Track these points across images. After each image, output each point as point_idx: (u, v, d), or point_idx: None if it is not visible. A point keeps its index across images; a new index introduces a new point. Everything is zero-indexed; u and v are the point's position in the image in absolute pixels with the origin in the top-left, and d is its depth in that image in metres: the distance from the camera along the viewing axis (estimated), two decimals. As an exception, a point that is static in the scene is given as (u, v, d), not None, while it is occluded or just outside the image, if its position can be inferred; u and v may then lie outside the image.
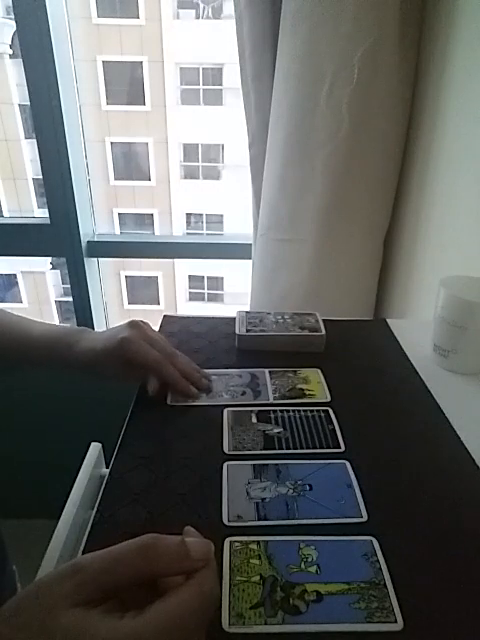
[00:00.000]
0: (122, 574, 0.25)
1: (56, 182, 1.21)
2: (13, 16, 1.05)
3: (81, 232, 1.27)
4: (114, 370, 0.54)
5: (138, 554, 0.26)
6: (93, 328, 1.43)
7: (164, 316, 0.71)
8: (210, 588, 0.27)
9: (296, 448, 0.47)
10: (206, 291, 4.57)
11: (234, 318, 0.67)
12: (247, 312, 0.69)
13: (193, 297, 4.51)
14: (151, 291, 4.31)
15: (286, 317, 0.68)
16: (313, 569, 0.35)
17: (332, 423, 0.50)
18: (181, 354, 0.57)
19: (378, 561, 0.35)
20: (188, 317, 0.72)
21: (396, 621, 0.31)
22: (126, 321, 0.55)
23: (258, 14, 0.92)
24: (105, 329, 0.58)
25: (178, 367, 0.54)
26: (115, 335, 0.53)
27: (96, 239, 1.34)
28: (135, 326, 0.54)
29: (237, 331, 0.64)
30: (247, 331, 0.64)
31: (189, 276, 4.44)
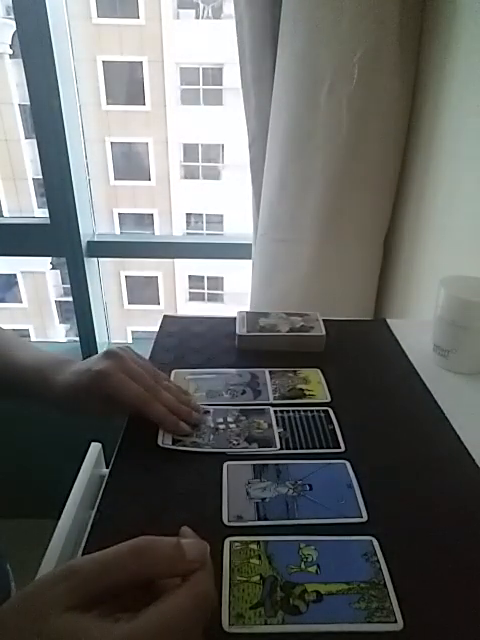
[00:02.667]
0: (116, 577, 0.25)
1: (56, 182, 1.21)
2: (13, 16, 1.05)
3: (81, 232, 1.27)
4: (93, 407, 0.48)
5: (132, 557, 0.25)
6: (93, 329, 1.43)
7: (164, 316, 0.71)
8: (205, 590, 0.26)
9: (296, 448, 0.47)
10: (206, 291, 4.58)
11: (234, 318, 0.67)
12: (248, 312, 0.69)
13: (193, 297, 4.52)
14: (151, 291, 4.32)
15: (286, 317, 0.68)
16: (313, 569, 0.35)
17: (332, 423, 0.50)
18: (169, 383, 0.51)
19: (378, 561, 0.35)
20: (188, 317, 0.72)
21: (396, 621, 0.31)
22: (103, 350, 0.49)
23: (258, 14, 0.92)
24: (83, 361, 0.50)
25: (163, 402, 0.47)
26: (90, 368, 0.47)
27: (96, 239, 1.34)
28: (112, 356, 0.47)
29: (238, 331, 0.64)
30: (248, 331, 0.64)
31: (189, 276, 4.45)
